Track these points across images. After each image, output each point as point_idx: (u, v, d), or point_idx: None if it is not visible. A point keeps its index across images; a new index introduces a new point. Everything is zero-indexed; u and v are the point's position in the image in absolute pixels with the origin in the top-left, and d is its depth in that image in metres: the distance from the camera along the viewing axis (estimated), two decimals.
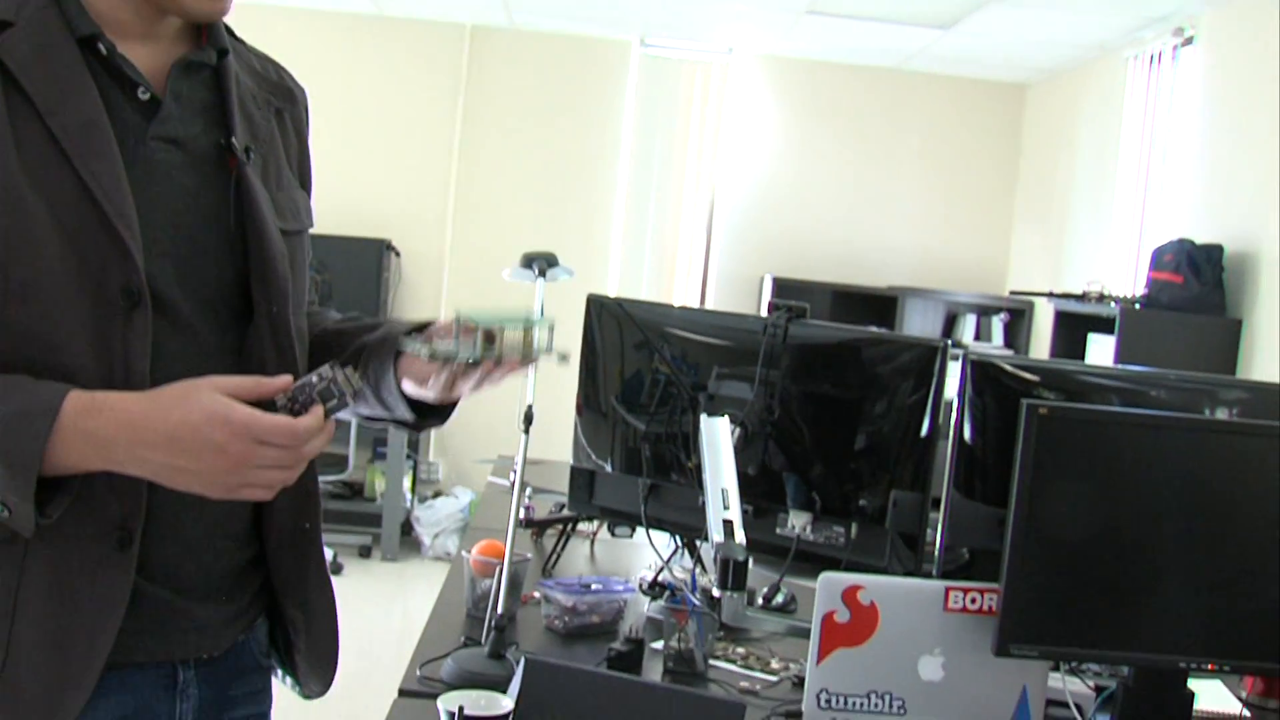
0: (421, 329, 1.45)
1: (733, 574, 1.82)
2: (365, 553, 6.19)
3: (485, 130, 6.72)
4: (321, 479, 5.76)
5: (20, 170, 1.16)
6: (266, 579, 1.42)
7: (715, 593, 1.85)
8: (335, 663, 1.52)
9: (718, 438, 1.98)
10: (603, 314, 2.38)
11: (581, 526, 2.88)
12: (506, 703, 1.50)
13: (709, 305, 6.60)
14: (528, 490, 2.94)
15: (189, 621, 1.31)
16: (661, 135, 6.77)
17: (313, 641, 1.47)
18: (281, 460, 1.17)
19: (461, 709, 1.41)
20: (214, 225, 1.30)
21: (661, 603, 2.23)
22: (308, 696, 1.52)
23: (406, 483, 6.43)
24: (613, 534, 2.89)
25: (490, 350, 1.34)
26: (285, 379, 1.21)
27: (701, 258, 6.83)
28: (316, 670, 1.49)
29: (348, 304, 6.26)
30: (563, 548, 2.70)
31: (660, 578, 2.41)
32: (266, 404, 1.19)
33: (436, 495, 6.69)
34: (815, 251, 6.75)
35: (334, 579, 5.13)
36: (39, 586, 1.20)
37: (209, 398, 1.15)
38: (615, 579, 2.44)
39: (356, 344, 1.47)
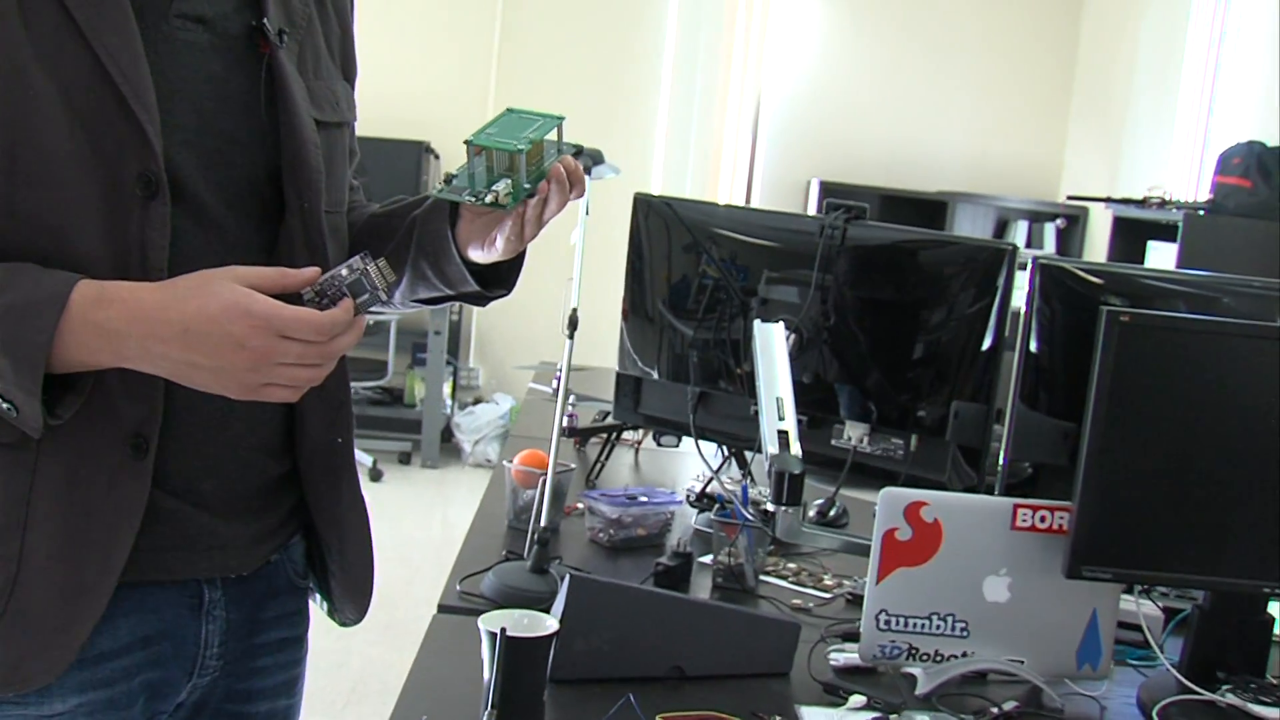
0: None
1: (788, 487, 1.73)
2: (405, 459, 6.16)
3: (526, 28, 6.56)
4: (361, 385, 5.78)
5: (28, 45, 1.07)
6: (302, 497, 1.34)
7: (768, 507, 1.77)
8: (370, 589, 1.45)
9: (772, 344, 1.88)
10: (650, 214, 2.27)
11: (626, 435, 2.81)
12: (551, 623, 1.43)
13: (735, 204, 6.47)
14: (571, 398, 2.86)
15: (213, 538, 1.24)
16: (706, 32, 6.57)
17: (347, 565, 1.39)
18: (306, 356, 1.09)
19: (504, 630, 1.33)
20: (243, 114, 1.20)
21: (710, 515, 2.15)
22: (343, 624, 1.45)
23: (446, 389, 6.38)
24: (658, 443, 2.80)
25: (515, 176, 1.26)
26: (313, 271, 1.12)
27: (747, 160, 6.67)
28: (351, 596, 1.42)
29: None
30: (607, 457, 2.63)
31: (709, 489, 2.34)
32: (292, 297, 1.11)
33: (477, 401, 6.64)
34: (862, 155, 6.57)
35: (374, 485, 5.13)
36: (51, 495, 1.13)
37: (228, 288, 1.07)
38: (661, 490, 2.37)
39: (407, 222, 1.38)
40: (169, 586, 1.23)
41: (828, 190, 6.29)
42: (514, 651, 1.34)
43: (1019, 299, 1.81)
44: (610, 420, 2.67)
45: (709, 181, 6.68)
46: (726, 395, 2.17)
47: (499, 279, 1.39)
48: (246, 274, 1.09)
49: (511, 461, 2.22)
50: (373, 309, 1.16)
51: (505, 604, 1.85)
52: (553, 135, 1.31)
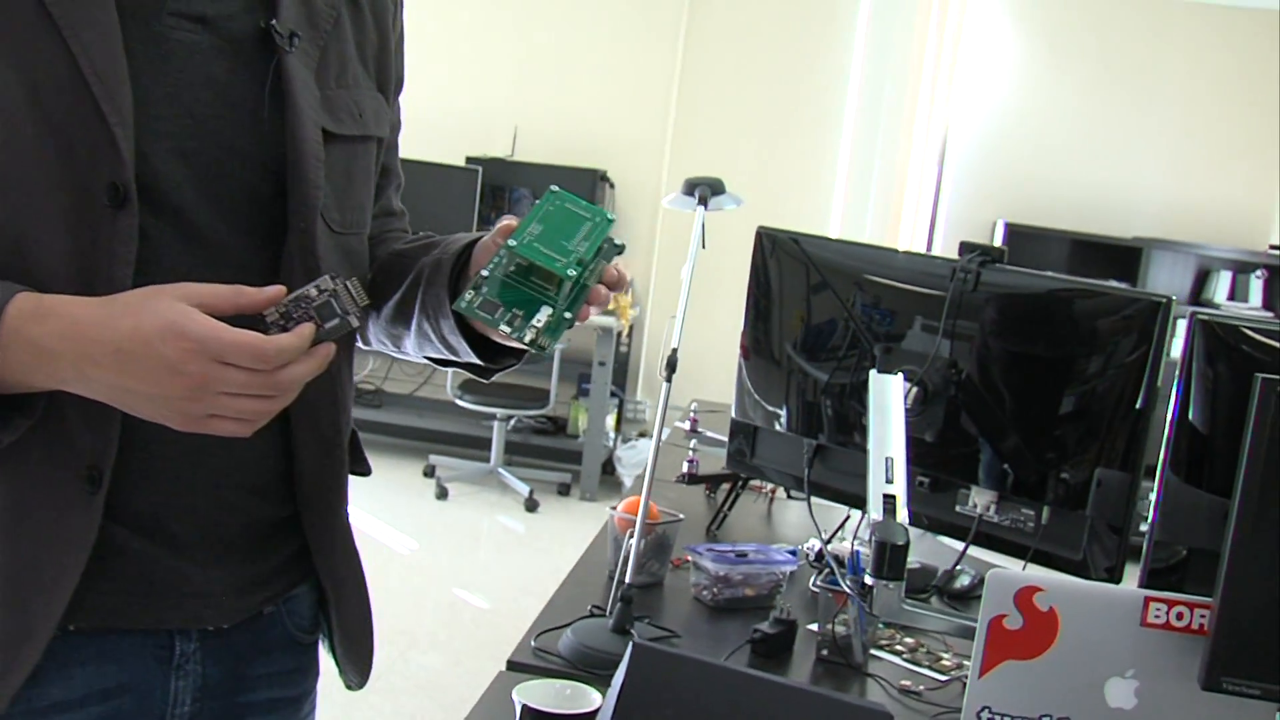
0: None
1: (889, 559, 1.54)
2: (564, 490, 6.08)
3: (707, 58, 6.44)
4: (523, 413, 5.68)
5: None
6: (305, 543, 1.22)
7: (867, 579, 1.58)
8: (370, 652, 1.32)
9: (888, 398, 1.70)
10: (775, 249, 2.11)
11: (758, 483, 2.64)
12: (594, 698, 1.28)
13: (936, 251, 6.21)
14: (693, 442, 2.71)
15: (185, 585, 1.12)
16: (893, 66, 6.35)
17: (344, 622, 1.27)
18: (250, 386, 0.97)
19: (527, 708, 1.19)
20: (248, 123, 1.09)
21: (819, 580, 1.97)
22: (348, 686, 1.32)
23: (610, 421, 6.28)
24: (789, 495, 2.63)
25: (555, 301, 1.10)
26: (276, 290, 1.01)
27: (930, 199, 6.42)
28: (350, 658, 1.30)
29: None
30: (730, 506, 2.47)
31: (828, 550, 2.16)
32: (255, 320, 0.99)
33: (641, 435, 6.53)
34: (1053, 195, 6.25)
35: (529, 515, 4.98)
36: None
37: (168, 306, 0.95)
38: (780, 547, 2.20)
39: (416, 268, 1.25)
40: (134, 635, 1.11)
41: (1014, 232, 6.00)
42: None
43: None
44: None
45: (890, 221, 6.44)
46: (851, 451, 1.99)
47: (511, 350, 1.25)
48: (197, 291, 0.97)
49: (617, 508, 2.08)
50: (356, 336, 1.04)
51: (580, 665, 1.72)
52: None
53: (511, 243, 1.08)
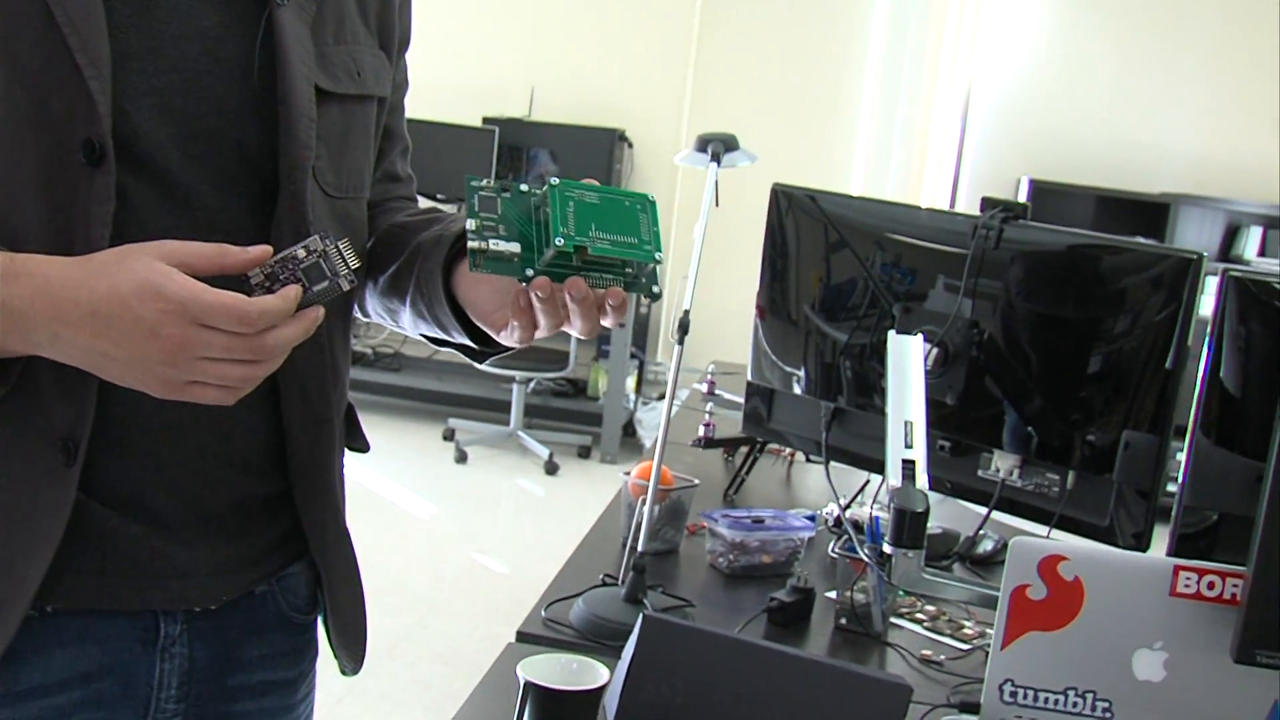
0: None
1: (909, 527, 1.49)
2: (584, 453, 6.04)
3: (727, 14, 6.34)
4: (543, 375, 5.64)
5: None
6: (298, 521, 1.17)
7: (885, 547, 1.53)
8: (363, 637, 1.27)
9: (907, 360, 1.64)
10: (791, 207, 2.05)
11: (775, 446, 2.59)
12: (603, 674, 1.24)
13: (959, 208, 6.12)
14: (709, 405, 2.66)
15: (168, 564, 1.07)
16: (915, 20, 6.23)
17: (336, 604, 1.22)
18: (233, 350, 0.91)
19: (530, 685, 1.14)
20: (239, 79, 1.04)
21: (838, 547, 1.92)
22: (343, 672, 1.27)
23: (630, 382, 6.24)
24: (808, 459, 2.58)
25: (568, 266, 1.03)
26: (262, 250, 0.95)
27: (954, 157, 6.32)
28: (344, 642, 1.24)
29: None
30: (748, 471, 2.42)
31: (846, 516, 2.11)
32: (237, 281, 0.94)
33: (661, 397, 6.48)
34: (1079, 152, 6.14)
35: (549, 478, 4.94)
36: None
37: (145, 264, 0.90)
38: (797, 513, 2.15)
39: (414, 243, 1.20)
40: (116, 616, 1.07)
41: (1038, 189, 5.90)
42: (546, 708, 1.16)
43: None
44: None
45: (912, 179, 6.35)
46: (866, 414, 1.93)
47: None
48: (177, 250, 0.92)
49: (630, 473, 2.04)
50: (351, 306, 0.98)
51: (591, 636, 1.67)
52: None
53: (554, 181, 1.02)
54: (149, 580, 1.07)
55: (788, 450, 2.63)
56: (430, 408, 6.27)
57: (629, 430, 6.21)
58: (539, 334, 1.07)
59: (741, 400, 2.75)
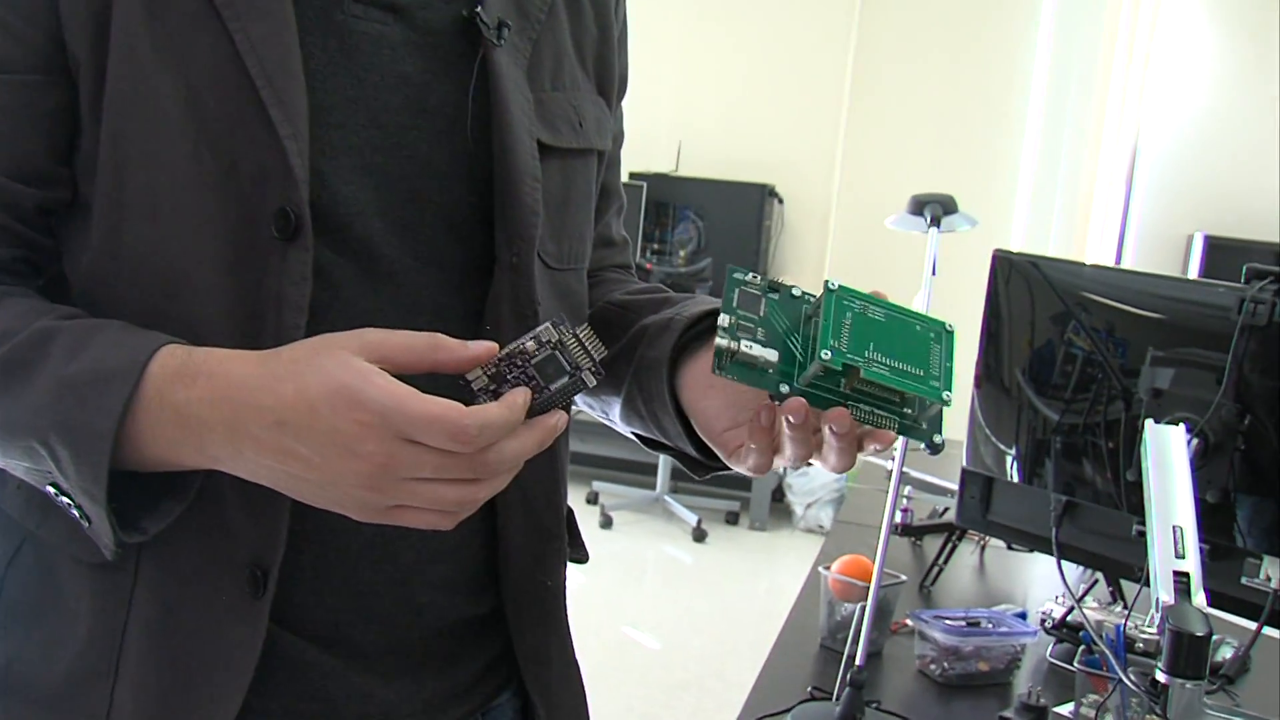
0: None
1: (1187, 653, 1.28)
2: (732, 519, 5.85)
3: (880, 65, 6.15)
4: None
5: (146, 36, 0.80)
6: (509, 642, 1.01)
7: (1159, 675, 1.32)
8: None
9: (1169, 454, 1.43)
10: (1012, 275, 1.85)
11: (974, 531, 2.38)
12: None
13: (1128, 264, 5.82)
14: (906, 489, 2.46)
15: (368, 703, 0.92)
16: (1078, 68, 5.97)
17: None
18: (448, 469, 0.74)
19: None
20: (447, 134, 0.89)
21: (1075, 657, 1.70)
22: None
23: None
24: (1010, 546, 2.36)
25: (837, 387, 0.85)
26: (486, 347, 0.78)
27: (1119, 210, 6.02)
28: None
29: (723, 255, 5.92)
30: (945, 562, 2.21)
31: (1071, 618, 1.89)
32: (457, 385, 0.78)
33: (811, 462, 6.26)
34: (1258, 205, 5.79)
35: (697, 546, 4.75)
36: (147, 638, 0.86)
37: (339, 363, 0.73)
38: (1009, 611, 1.94)
39: (636, 326, 1.02)
40: None
41: (1214, 246, 5.58)
42: None
43: None
44: (949, 517, 2.26)
45: (1076, 235, 6.06)
46: (1099, 507, 1.72)
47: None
48: (380, 342, 0.75)
49: (829, 568, 1.85)
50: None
51: None
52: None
53: (834, 284, 0.84)
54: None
55: (980, 537, 2.42)
56: (574, 469, 6.12)
57: (778, 496, 6.00)
58: (779, 464, 0.88)
59: (929, 478, 2.56)
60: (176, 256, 0.82)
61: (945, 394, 0.85)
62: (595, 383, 0.79)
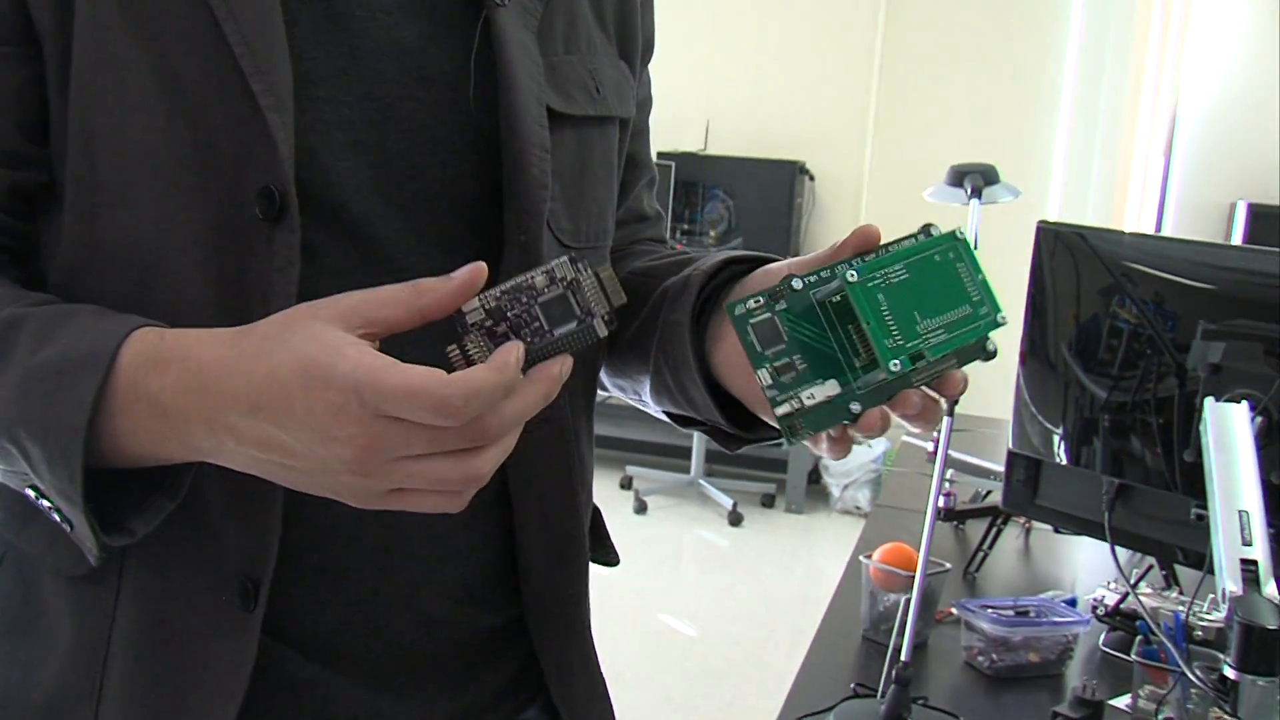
0: (756, 265, 0.89)
1: (1258, 647, 1.20)
2: (768, 502, 5.76)
3: (910, 33, 6.02)
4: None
5: (117, 11, 0.73)
6: (533, 653, 0.94)
7: (1227, 671, 1.24)
8: None
9: (1232, 434, 1.35)
10: (1057, 247, 1.77)
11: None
12: None
13: (1166, 233, 5.69)
14: (949, 473, 2.37)
15: None
16: (1116, 31, 5.83)
17: None
18: (440, 442, 0.65)
19: None
20: (447, 105, 0.81)
21: (1126, 643, 1.62)
22: None
23: None
24: (1056, 530, 2.28)
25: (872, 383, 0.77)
26: (472, 270, 0.68)
27: (1159, 179, 5.89)
28: None
29: (754, 235, 5.84)
30: (990, 546, 2.13)
31: (1124, 605, 1.80)
32: (453, 326, 0.69)
33: None
34: None
35: (733, 530, 4.67)
36: (132, 654, 0.79)
37: (309, 337, 0.65)
38: (1057, 598, 1.86)
39: (656, 292, 0.94)
40: None
41: (1257, 214, 5.45)
42: None
43: None
44: (993, 499, 2.18)
45: (1114, 204, 5.94)
46: (1151, 489, 1.64)
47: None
48: (357, 305, 0.66)
49: (871, 557, 1.77)
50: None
51: None
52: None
53: (852, 275, 0.74)
54: None
55: (1025, 519, 2.34)
56: (607, 453, 6.07)
57: (814, 478, 5.92)
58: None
59: (971, 459, 2.47)
60: (154, 243, 0.75)
61: (999, 316, 0.78)
62: (606, 333, 0.70)
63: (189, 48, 0.73)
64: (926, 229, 0.79)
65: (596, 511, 1.01)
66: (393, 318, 0.66)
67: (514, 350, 0.66)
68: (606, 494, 5.67)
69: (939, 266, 0.78)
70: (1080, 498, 1.73)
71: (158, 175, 0.74)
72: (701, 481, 5.67)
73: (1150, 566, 1.83)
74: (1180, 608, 1.62)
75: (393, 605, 0.84)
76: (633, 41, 0.97)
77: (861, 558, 1.80)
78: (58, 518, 0.73)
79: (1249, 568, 1.24)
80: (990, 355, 0.80)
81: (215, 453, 0.69)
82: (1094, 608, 1.87)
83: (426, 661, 0.87)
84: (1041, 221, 1.75)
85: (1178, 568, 1.81)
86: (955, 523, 2.34)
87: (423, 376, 0.63)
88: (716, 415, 0.89)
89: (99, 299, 0.75)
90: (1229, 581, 1.24)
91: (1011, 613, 1.73)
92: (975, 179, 1.63)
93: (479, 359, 0.68)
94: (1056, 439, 1.77)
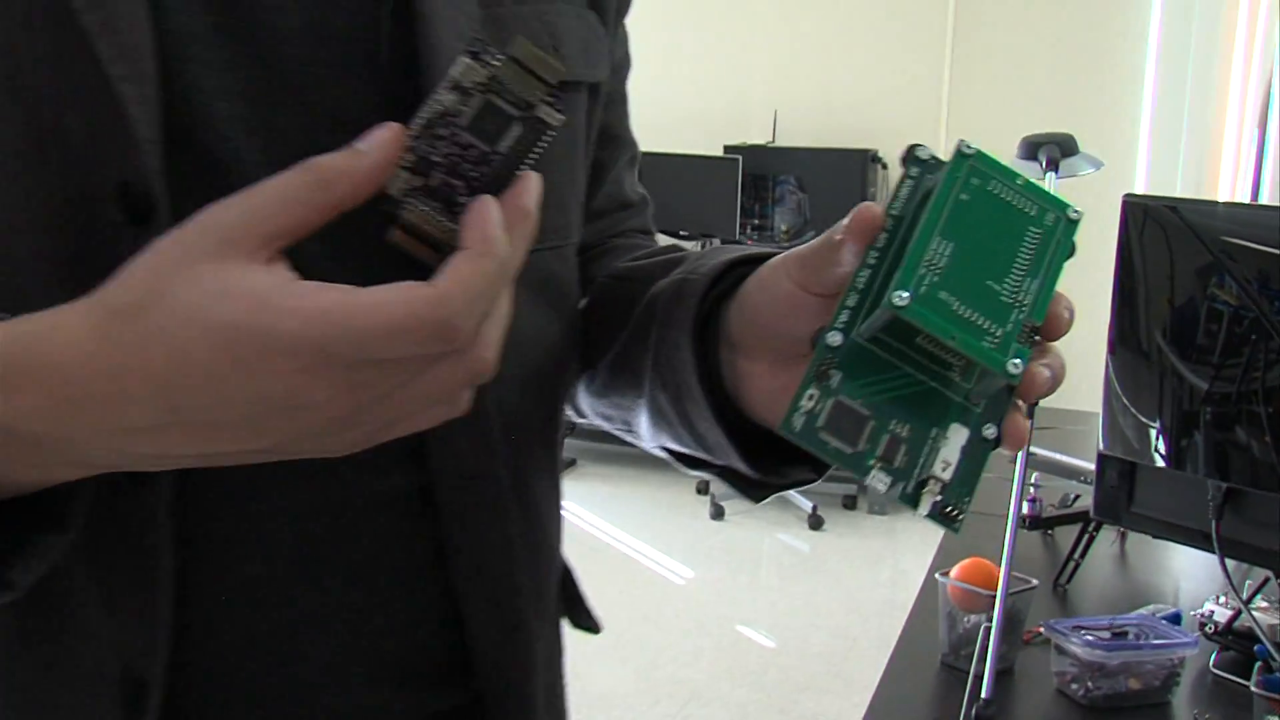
0: (756, 264, 0.69)
1: None
2: (850, 503, 5.56)
3: (983, 17, 5.81)
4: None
5: None
6: None
7: None
8: None
9: None
10: (1146, 223, 1.58)
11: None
12: None
13: (1266, 204, 5.41)
14: (1033, 476, 2.18)
15: None
16: (1203, 10, 5.58)
17: None
18: (437, 357, 0.50)
19: None
20: (361, 67, 0.64)
21: (1240, 664, 1.44)
22: None
23: None
24: (1154, 533, 2.08)
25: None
26: (388, 131, 0.52)
27: (1254, 145, 5.61)
28: None
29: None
30: (1082, 556, 1.94)
31: (1239, 621, 1.61)
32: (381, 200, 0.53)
33: None
34: None
35: (814, 534, 4.48)
36: None
37: (212, 296, 0.48)
38: (1159, 613, 1.67)
39: (645, 299, 0.75)
40: None
41: None
42: None
43: None
44: (1083, 504, 1.99)
45: (1207, 177, 5.67)
46: (1263, 494, 1.45)
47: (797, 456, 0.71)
48: (245, 218, 0.50)
49: (948, 575, 1.60)
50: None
51: None
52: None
53: (901, 298, 0.55)
54: None
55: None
56: None
57: None
58: None
59: (1064, 458, 2.28)
60: None
61: (1070, 212, 0.60)
62: (561, 117, 0.54)
63: (30, 21, 0.57)
64: (916, 158, 0.63)
65: (567, 574, 0.84)
66: (296, 223, 0.51)
67: (487, 211, 0.51)
68: (681, 500, 5.51)
69: (974, 206, 0.59)
70: (1182, 503, 1.55)
71: None
72: None
73: (1266, 579, 1.64)
74: None
75: (319, 686, 0.68)
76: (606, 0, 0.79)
77: (938, 575, 1.62)
78: None
79: None
80: (1073, 251, 0.60)
81: (124, 462, 0.53)
82: (1202, 625, 1.68)
83: None
84: (1128, 195, 1.57)
85: None
86: (1043, 530, 2.15)
87: (403, 303, 0.48)
88: (732, 454, 0.71)
89: None
90: None
91: (1108, 634, 1.54)
92: (1051, 150, 1.46)
93: (436, 231, 0.53)
94: (1154, 434, 1.58)
